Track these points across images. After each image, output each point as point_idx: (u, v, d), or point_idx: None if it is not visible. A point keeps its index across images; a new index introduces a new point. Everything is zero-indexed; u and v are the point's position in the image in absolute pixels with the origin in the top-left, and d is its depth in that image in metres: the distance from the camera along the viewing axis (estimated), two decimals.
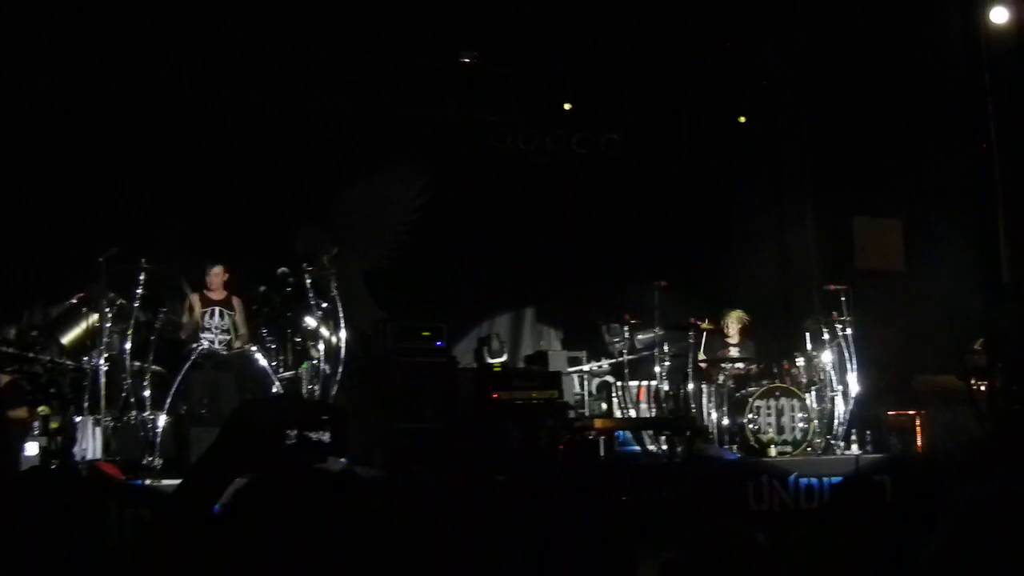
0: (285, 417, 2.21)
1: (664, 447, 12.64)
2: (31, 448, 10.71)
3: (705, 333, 13.42)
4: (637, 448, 12.97)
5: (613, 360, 14.21)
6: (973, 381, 12.19)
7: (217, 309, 12.31)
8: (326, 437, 2.23)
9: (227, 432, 2.26)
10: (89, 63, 13.14)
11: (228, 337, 12.22)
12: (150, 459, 10.65)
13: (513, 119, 15.59)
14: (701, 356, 13.33)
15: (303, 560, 1.97)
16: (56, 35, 12.96)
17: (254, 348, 11.65)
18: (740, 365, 13.31)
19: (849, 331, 12.98)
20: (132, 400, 11.07)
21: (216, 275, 12.37)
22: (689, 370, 12.89)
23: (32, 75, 12.97)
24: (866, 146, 14.43)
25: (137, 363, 11.22)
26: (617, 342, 14.07)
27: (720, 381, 12.94)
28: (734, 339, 13.70)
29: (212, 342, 12.04)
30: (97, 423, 10.95)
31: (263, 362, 11.57)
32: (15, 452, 10.57)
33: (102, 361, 10.92)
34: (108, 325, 11.07)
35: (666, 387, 13.13)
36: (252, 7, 13.65)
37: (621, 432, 12.92)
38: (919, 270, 15.16)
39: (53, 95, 13.22)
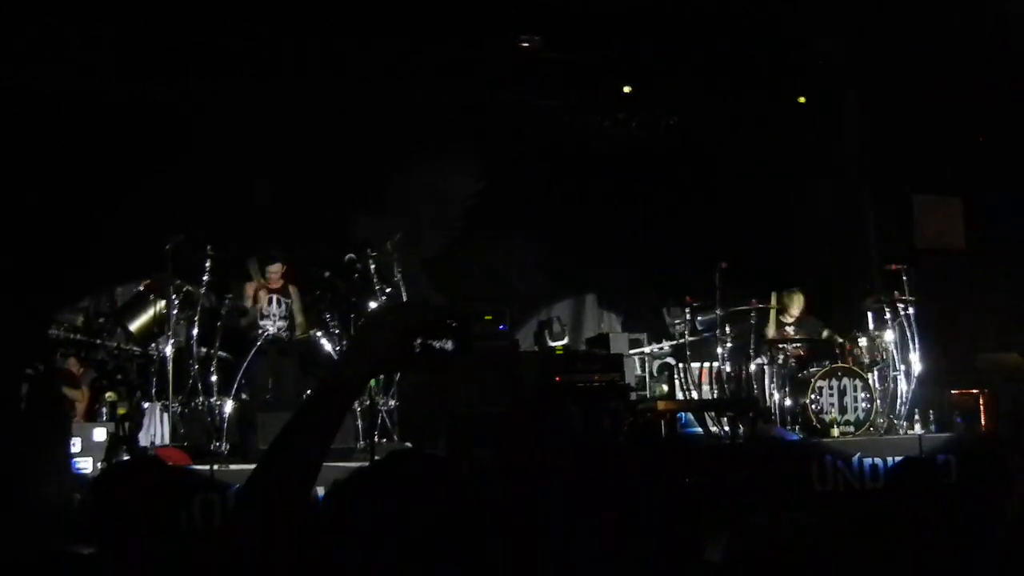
0: (413, 323, 2.27)
1: (727, 428, 12.65)
2: (99, 434, 10.89)
3: (768, 313, 13.43)
4: (699, 430, 12.97)
5: (674, 342, 14.22)
6: None
7: (274, 297, 12.38)
8: (449, 345, 2.28)
9: (361, 336, 2.34)
10: (151, 60, 13.21)
11: (286, 324, 12.34)
12: (217, 444, 10.83)
13: (572, 103, 15.57)
14: (770, 333, 13.36)
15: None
16: (117, 36, 13.06)
17: (319, 334, 11.75)
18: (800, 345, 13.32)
19: (911, 310, 12.93)
20: (199, 386, 11.24)
21: (275, 272, 12.44)
22: (751, 351, 12.90)
23: (96, 74, 13.07)
24: (925, 124, 14.30)
25: (204, 349, 11.38)
26: (678, 324, 14.09)
27: (781, 361, 12.93)
28: (794, 319, 13.67)
29: (271, 328, 12.17)
30: (165, 409, 11.14)
31: (328, 348, 11.68)
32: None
33: (169, 347, 11.08)
34: (175, 312, 11.23)
35: (728, 368, 13.14)
36: None
37: (683, 414, 12.94)
38: (980, 248, 15.05)
39: (118, 90, 13.35)
